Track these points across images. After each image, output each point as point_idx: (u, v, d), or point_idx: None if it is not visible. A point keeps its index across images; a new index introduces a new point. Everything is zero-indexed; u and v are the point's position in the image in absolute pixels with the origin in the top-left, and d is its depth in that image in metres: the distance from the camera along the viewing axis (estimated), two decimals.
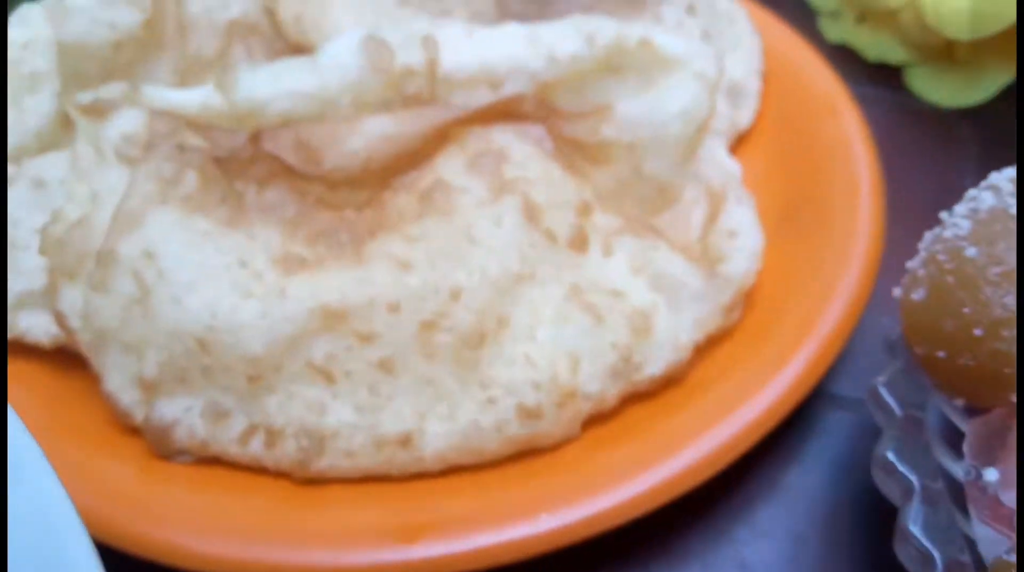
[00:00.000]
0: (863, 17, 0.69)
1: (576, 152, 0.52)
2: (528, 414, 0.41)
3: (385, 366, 0.42)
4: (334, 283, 0.42)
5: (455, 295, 0.42)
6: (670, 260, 0.47)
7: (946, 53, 0.67)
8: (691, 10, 0.65)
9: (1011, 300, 0.33)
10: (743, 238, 0.48)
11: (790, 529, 0.44)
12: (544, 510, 0.39)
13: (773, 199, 0.54)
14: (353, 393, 0.42)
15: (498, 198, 0.47)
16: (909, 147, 0.65)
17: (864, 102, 0.58)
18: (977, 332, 0.33)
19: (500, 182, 0.48)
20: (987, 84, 0.65)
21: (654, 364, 0.44)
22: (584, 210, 0.50)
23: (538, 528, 0.39)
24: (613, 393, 0.43)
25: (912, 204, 0.55)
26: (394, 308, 0.42)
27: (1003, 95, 0.66)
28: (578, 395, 0.42)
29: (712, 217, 0.51)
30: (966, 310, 0.34)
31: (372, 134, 0.49)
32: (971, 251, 0.35)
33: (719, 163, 0.54)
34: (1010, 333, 0.33)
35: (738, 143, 0.59)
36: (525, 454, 0.43)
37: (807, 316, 0.45)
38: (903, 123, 0.66)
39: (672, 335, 0.44)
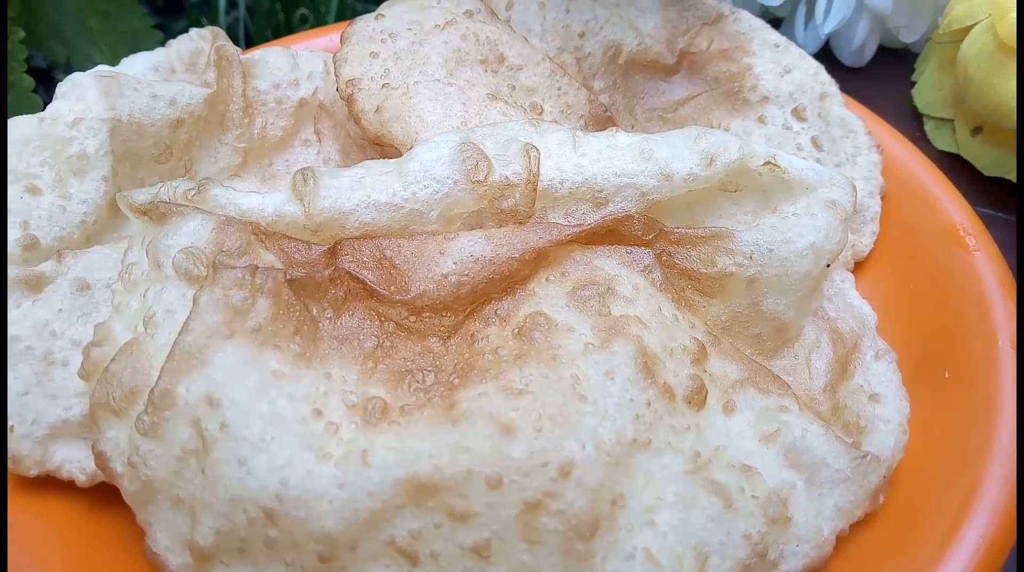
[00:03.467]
0: (980, 129, 0.63)
1: (688, 283, 0.47)
2: None
3: (480, 551, 0.36)
4: (424, 447, 0.36)
5: (565, 471, 0.36)
6: (804, 428, 0.41)
7: None
8: (798, 113, 0.60)
9: None
10: (887, 405, 0.42)
11: None
12: None
13: (902, 346, 0.47)
14: None
15: (607, 343, 0.41)
16: None
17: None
18: None
19: (609, 322, 0.42)
20: None
21: (792, 561, 0.38)
22: (700, 356, 0.44)
23: None
24: None
25: None
26: (495, 484, 0.36)
27: None
28: None
29: (843, 368, 0.45)
30: None
31: (464, 255, 0.44)
32: None
33: (848, 305, 0.48)
34: None
35: (856, 271, 0.53)
36: None
37: (964, 503, 0.39)
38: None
39: (814, 526, 0.38)
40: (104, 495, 0.41)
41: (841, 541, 0.39)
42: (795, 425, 0.40)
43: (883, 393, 0.42)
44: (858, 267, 0.53)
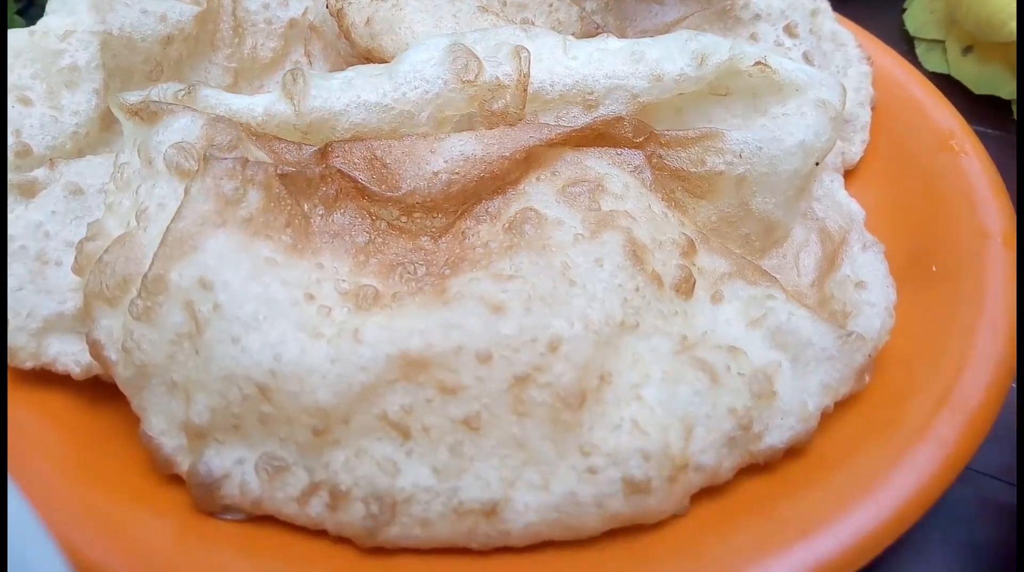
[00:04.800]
0: (970, 48, 0.63)
1: (678, 183, 0.47)
2: (635, 488, 0.36)
3: (470, 423, 0.36)
4: (416, 325, 0.37)
5: (554, 346, 0.37)
6: (791, 312, 0.41)
7: None
8: (790, 30, 0.60)
9: None
10: (873, 291, 0.43)
11: None
12: None
13: (891, 244, 0.48)
14: (432, 452, 0.37)
15: (597, 234, 0.41)
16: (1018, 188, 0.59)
17: None
18: None
19: (598, 216, 0.42)
20: None
21: (777, 433, 0.38)
22: (689, 250, 0.44)
23: None
24: (729, 465, 0.38)
25: None
26: (485, 358, 0.36)
27: None
28: (690, 467, 0.37)
29: (831, 263, 0.46)
30: None
31: (454, 154, 0.44)
32: None
33: (837, 203, 0.48)
34: None
35: (846, 178, 0.53)
36: (625, 531, 0.37)
37: (948, 383, 0.40)
38: (1012, 162, 0.61)
39: (798, 401, 0.39)
40: (98, 390, 0.42)
41: (827, 420, 0.39)
42: (781, 310, 0.41)
43: (869, 281, 0.43)
44: (848, 175, 0.54)
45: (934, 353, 0.41)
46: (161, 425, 0.38)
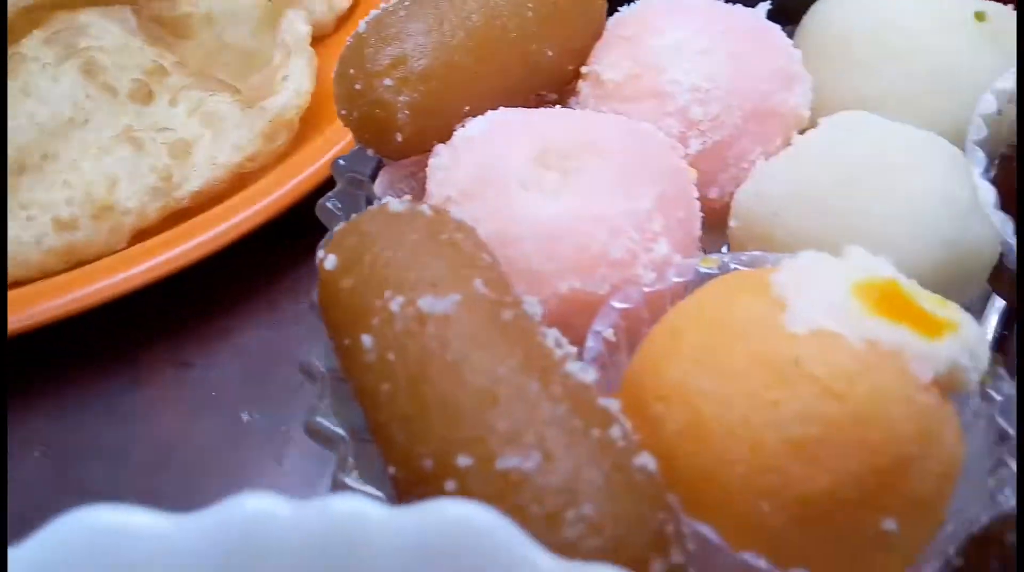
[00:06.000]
0: None
1: (161, 28, 0.59)
2: (63, 226, 0.48)
3: None
4: None
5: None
6: (227, 102, 0.54)
7: None
8: None
9: None
10: (294, 80, 0.56)
11: None
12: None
13: None
14: None
15: (61, 62, 0.53)
16: None
17: None
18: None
19: (70, 51, 0.54)
20: None
21: (193, 182, 0.51)
22: (157, 72, 0.56)
23: None
24: (154, 208, 0.50)
25: None
26: None
27: None
28: (116, 209, 0.49)
29: (279, 70, 0.59)
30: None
31: None
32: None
33: (294, 29, 0.62)
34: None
35: None
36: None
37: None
38: None
39: (210, 157, 0.51)
40: None
41: (245, 178, 0.52)
42: (220, 102, 0.54)
43: (293, 74, 0.56)
44: None
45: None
46: None
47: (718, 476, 0.29)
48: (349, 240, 0.33)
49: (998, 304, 0.44)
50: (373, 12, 0.42)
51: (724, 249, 0.44)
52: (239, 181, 0.52)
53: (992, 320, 0.44)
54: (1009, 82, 0.41)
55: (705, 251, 0.42)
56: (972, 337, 0.29)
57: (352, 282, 0.31)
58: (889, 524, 0.28)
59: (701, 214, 0.41)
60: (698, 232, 0.40)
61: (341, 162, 0.45)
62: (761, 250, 0.40)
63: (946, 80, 0.43)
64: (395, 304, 0.29)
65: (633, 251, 0.37)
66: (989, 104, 0.41)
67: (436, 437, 0.26)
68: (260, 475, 0.43)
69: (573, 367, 0.28)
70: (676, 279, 0.37)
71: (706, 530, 0.27)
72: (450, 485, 0.26)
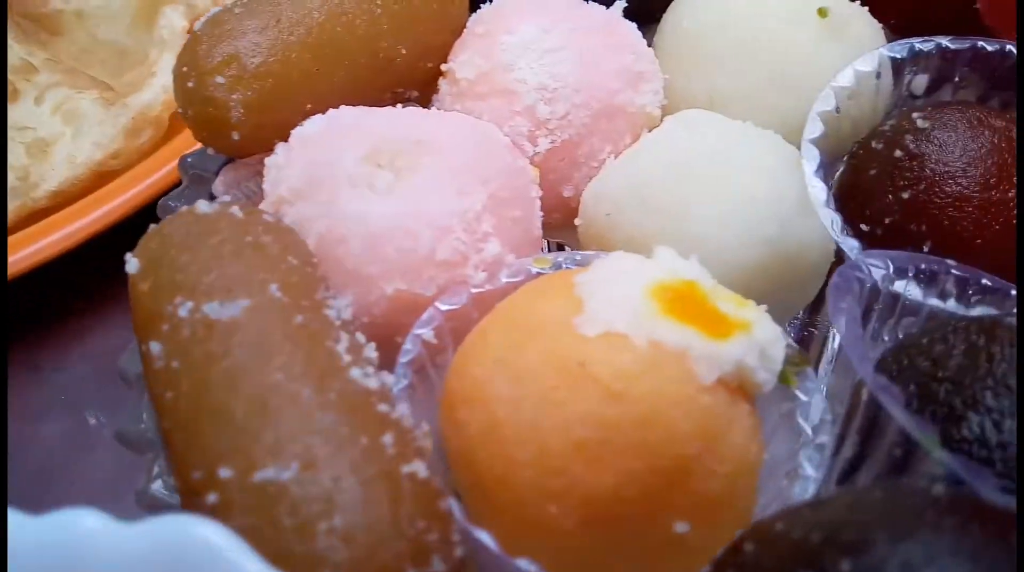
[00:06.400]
0: None
1: (34, 24, 0.58)
2: None
3: None
4: None
5: None
6: (90, 99, 0.53)
7: None
8: None
9: None
10: (162, 76, 0.55)
11: None
12: None
13: None
14: None
15: None
16: None
17: None
18: None
19: None
20: None
21: (51, 181, 0.50)
22: (24, 70, 0.55)
23: None
24: (11, 208, 0.49)
25: None
26: None
27: None
28: None
29: (153, 66, 0.58)
30: None
31: None
32: None
33: (172, 24, 0.60)
34: None
35: None
36: None
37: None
38: None
39: (70, 155, 0.50)
40: None
41: (103, 175, 0.51)
42: (84, 100, 0.53)
43: (159, 70, 0.55)
44: None
45: None
46: None
47: (510, 480, 0.29)
48: (151, 243, 0.32)
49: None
50: (213, 9, 0.42)
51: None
52: (103, 179, 0.51)
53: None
54: (848, 79, 0.42)
55: (568, 250, 0.42)
56: (764, 337, 0.30)
57: (148, 286, 0.31)
58: (681, 526, 0.28)
59: (542, 214, 0.41)
60: (538, 231, 0.40)
61: (188, 159, 0.45)
62: (600, 249, 0.40)
63: (791, 77, 0.43)
64: (184, 310, 0.29)
65: (462, 252, 0.36)
66: (827, 101, 0.41)
67: (204, 448, 0.26)
68: (105, 478, 0.42)
69: (356, 373, 0.28)
70: (509, 280, 0.37)
71: (484, 537, 0.27)
72: (212, 497, 0.25)
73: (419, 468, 0.26)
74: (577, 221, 0.42)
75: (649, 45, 0.46)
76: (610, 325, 0.29)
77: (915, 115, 0.40)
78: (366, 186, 0.37)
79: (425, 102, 0.47)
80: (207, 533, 0.21)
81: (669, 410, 0.28)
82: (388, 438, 0.26)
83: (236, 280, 0.30)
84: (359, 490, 0.25)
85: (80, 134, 0.51)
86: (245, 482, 0.25)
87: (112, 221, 0.47)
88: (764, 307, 0.33)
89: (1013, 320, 0.30)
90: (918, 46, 0.43)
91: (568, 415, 0.28)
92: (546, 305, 0.31)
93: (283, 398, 0.26)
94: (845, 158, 0.43)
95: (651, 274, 0.31)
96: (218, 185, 0.41)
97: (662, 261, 0.32)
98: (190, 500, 0.26)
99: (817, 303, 0.44)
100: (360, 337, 0.31)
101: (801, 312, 0.46)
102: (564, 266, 0.38)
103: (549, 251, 0.46)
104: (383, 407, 0.28)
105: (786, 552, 0.21)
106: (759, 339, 0.29)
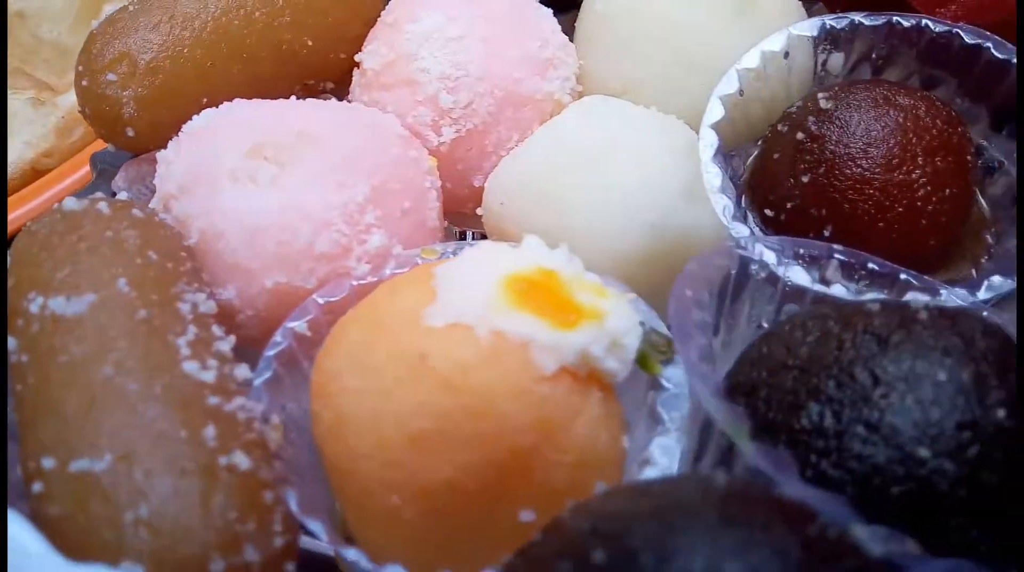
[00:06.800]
0: None
1: None
2: None
3: None
4: None
5: None
6: (21, 99, 0.54)
7: None
8: None
9: None
10: None
11: None
12: None
13: None
14: None
15: None
16: None
17: None
18: None
19: None
20: None
21: None
22: None
23: None
24: None
25: None
26: None
27: None
28: None
29: None
30: None
31: None
32: None
33: None
34: None
35: None
36: None
37: None
38: None
39: None
40: None
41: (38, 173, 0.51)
42: (12, 98, 0.53)
43: None
44: None
45: None
46: None
47: (355, 471, 0.29)
48: (20, 242, 0.32)
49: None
50: (109, 8, 0.42)
51: None
52: (38, 177, 0.52)
53: None
54: (754, 60, 0.40)
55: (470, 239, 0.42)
56: (616, 326, 0.29)
57: (12, 283, 0.31)
58: (527, 515, 0.28)
59: (440, 204, 0.40)
60: (435, 222, 0.40)
61: (98, 155, 0.45)
62: (501, 239, 0.39)
63: (700, 59, 0.42)
64: (35, 306, 0.29)
65: (343, 244, 0.36)
66: (730, 83, 0.40)
67: (37, 439, 0.26)
68: None
69: (191, 366, 0.28)
70: (395, 271, 0.37)
71: (314, 526, 0.27)
72: (37, 486, 0.26)
73: (241, 460, 0.26)
74: (479, 210, 0.41)
75: None
76: (459, 316, 0.28)
77: (820, 95, 0.39)
78: (248, 180, 0.37)
79: (343, 93, 0.46)
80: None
81: (504, 401, 0.27)
82: (211, 431, 0.26)
83: (85, 276, 0.30)
84: (170, 482, 0.25)
85: (11, 134, 0.52)
86: (64, 472, 0.25)
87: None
88: (633, 296, 0.32)
89: (875, 306, 0.29)
90: (829, 23, 0.41)
91: (404, 407, 0.28)
92: (401, 298, 0.30)
93: (111, 392, 0.26)
94: (760, 141, 0.42)
95: (509, 264, 0.30)
96: (118, 181, 0.42)
97: (526, 251, 0.31)
98: (27, 489, 0.27)
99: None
100: (217, 330, 0.31)
101: None
102: (448, 256, 0.37)
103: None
104: (214, 400, 0.27)
105: (558, 541, 0.20)
106: (610, 328, 0.29)
